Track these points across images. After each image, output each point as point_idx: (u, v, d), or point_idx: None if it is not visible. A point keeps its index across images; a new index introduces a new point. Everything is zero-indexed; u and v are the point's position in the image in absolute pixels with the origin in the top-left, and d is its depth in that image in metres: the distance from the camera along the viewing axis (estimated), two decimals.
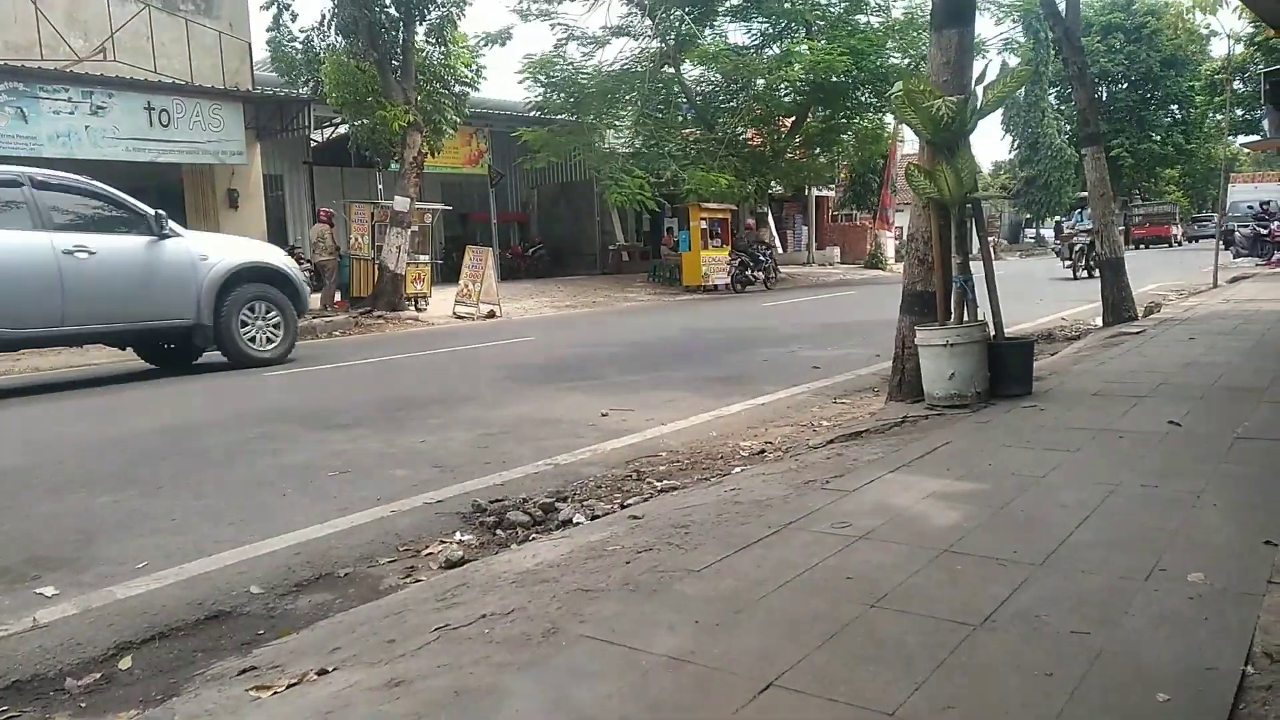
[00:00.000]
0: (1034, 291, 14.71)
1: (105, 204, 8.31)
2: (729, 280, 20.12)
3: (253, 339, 9.00)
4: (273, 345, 9.19)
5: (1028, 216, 48.15)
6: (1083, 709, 1.65)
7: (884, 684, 1.78)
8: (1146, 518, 2.73)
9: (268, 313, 9.15)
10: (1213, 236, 20.03)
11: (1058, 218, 38.77)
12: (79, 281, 7.74)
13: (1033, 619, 2.04)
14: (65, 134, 13.48)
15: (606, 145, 21.42)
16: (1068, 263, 18.09)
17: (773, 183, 24.17)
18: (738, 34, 25.47)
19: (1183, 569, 2.28)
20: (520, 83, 21.28)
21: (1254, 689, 1.70)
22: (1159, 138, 43.63)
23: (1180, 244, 39.31)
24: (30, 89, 13.12)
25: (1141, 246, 36.33)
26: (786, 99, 22.49)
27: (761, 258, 20.88)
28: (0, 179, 7.75)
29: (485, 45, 18.59)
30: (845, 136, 23.79)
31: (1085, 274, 16.89)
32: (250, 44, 16.88)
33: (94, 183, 8.38)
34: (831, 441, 4.22)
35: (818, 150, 24.22)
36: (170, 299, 8.40)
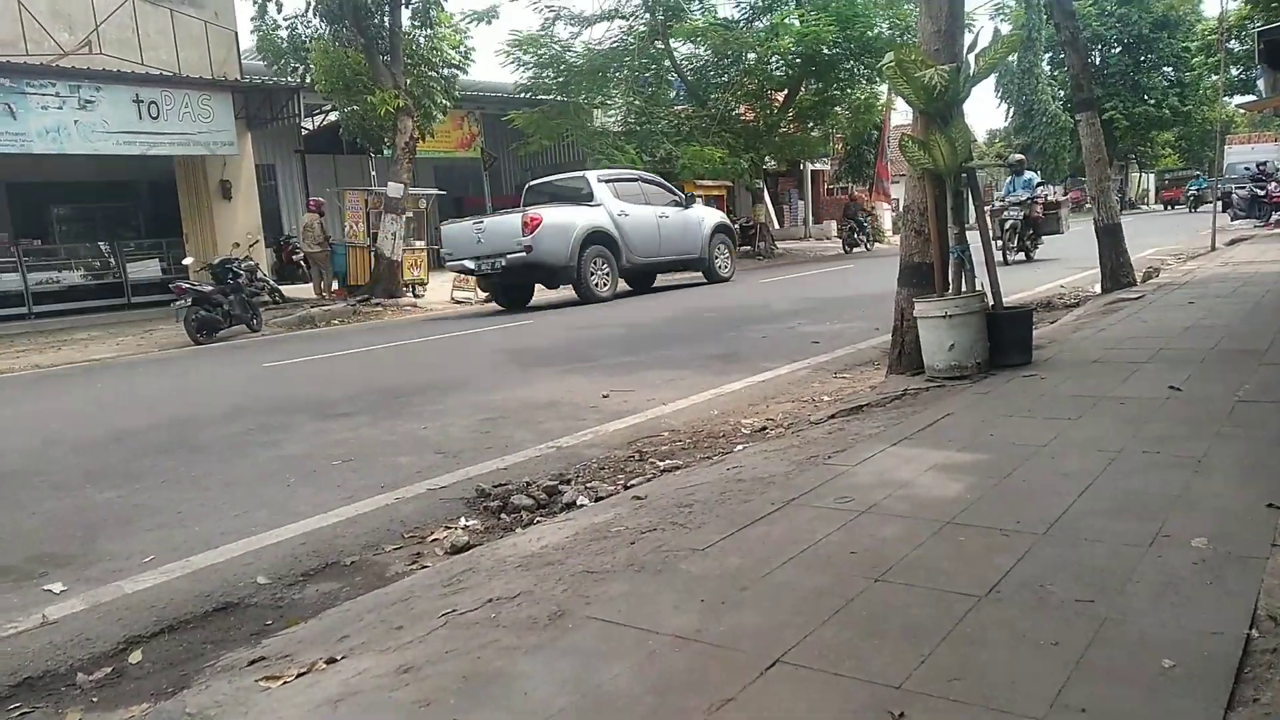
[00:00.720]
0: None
1: (663, 189, 14.96)
2: (842, 243, 23.37)
3: (720, 265, 15.23)
4: (727, 269, 15.43)
5: None
6: (1088, 677, 1.65)
7: (890, 657, 1.79)
8: (1149, 484, 2.73)
9: (728, 250, 15.59)
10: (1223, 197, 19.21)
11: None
12: (665, 232, 14.11)
13: (1037, 588, 2.04)
14: (54, 129, 13.38)
15: (598, 124, 21.30)
16: (998, 242, 13.58)
17: (767, 157, 24.06)
18: (727, 8, 25.27)
19: (1186, 534, 2.28)
20: (504, 65, 21.21)
21: (1258, 652, 1.71)
22: (1153, 101, 43.35)
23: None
24: (17, 85, 13.00)
25: (1169, 206, 40.49)
26: (778, 73, 22.32)
27: (865, 224, 23.48)
28: (630, 178, 14.64)
29: (471, 22, 18.44)
30: (838, 109, 23.64)
31: (1022, 256, 14.05)
32: (237, 33, 16.72)
33: (660, 178, 15.58)
34: (833, 416, 4.22)
35: (811, 124, 24.07)
36: (690, 243, 14.61)
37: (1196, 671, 1.65)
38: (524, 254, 12.20)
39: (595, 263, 12.95)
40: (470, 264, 13.08)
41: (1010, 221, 13.94)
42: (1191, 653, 1.71)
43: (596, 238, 12.98)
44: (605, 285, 13.09)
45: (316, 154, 21.01)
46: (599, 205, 13.28)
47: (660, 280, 15.54)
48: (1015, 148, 41.64)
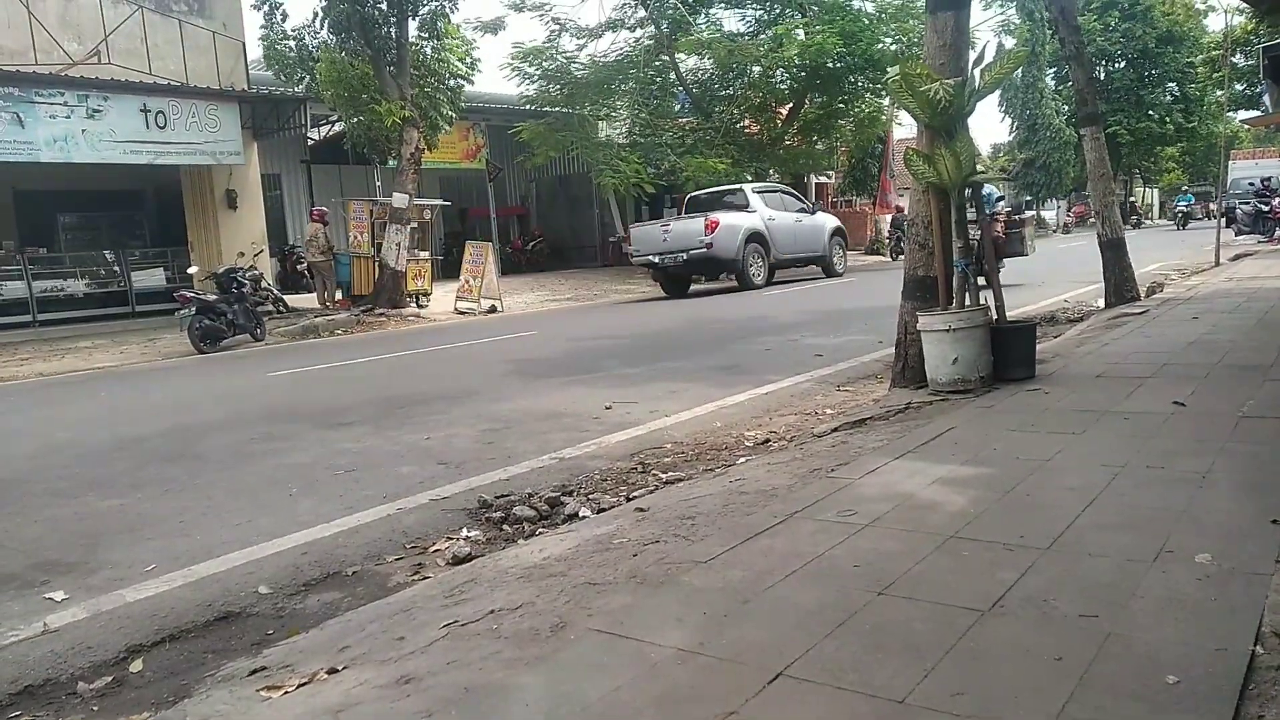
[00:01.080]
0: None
1: (795, 198, 18.03)
2: (889, 251, 24.95)
3: (835, 262, 17.94)
4: (840, 267, 18.20)
5: (1028, 198, 47.93)
6: (1092, 693, 1.65)
7: (893, 671, 1.78)
8: (1153, 499, 2.72)
9: (841, 250, 18.42)
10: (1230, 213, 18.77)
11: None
12: (800, 233, 17.11)
13: (1041, 603, 2.04)
14: (62, 138, 13.44)
15: (603, 136, 21.39)
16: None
17: (771, 170, 24.12)
18: (732, 21, 25.33)
19: (1190, 550, 2.27)
20: (509, 78, 21.25)
21: (1263, 669, 1.70)
22: (1158, 116, 43.32)
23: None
24: (26, 94, 13.06)
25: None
26: (783, 86, 22.38)
27: None
28: (772, 190, 17.93)
29: (478, 32, 18.54)
30: (842, 122, 23.69)
31: (981, 280, 12.58)
32: (244, 44, 16.79)
33: (792, 190, 19.09)
34: (836, 429, 4.22)
35: (815, 137, 24.13)
36: (816, 243, 17.59)
37: (1201, 688, 1.64)
38: (705, 250, 15.22)
39: (753, 258, 15.92)
40: (655, 259, 15.95)
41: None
42: (1196, 669, 1.70)
43: (755, 237, 16.02)
44: (760, 276, 16.00)
45: (322, 164, 21.09)
46: (754, 212, 16.28)
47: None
48: (1019, 162, 41.65)
